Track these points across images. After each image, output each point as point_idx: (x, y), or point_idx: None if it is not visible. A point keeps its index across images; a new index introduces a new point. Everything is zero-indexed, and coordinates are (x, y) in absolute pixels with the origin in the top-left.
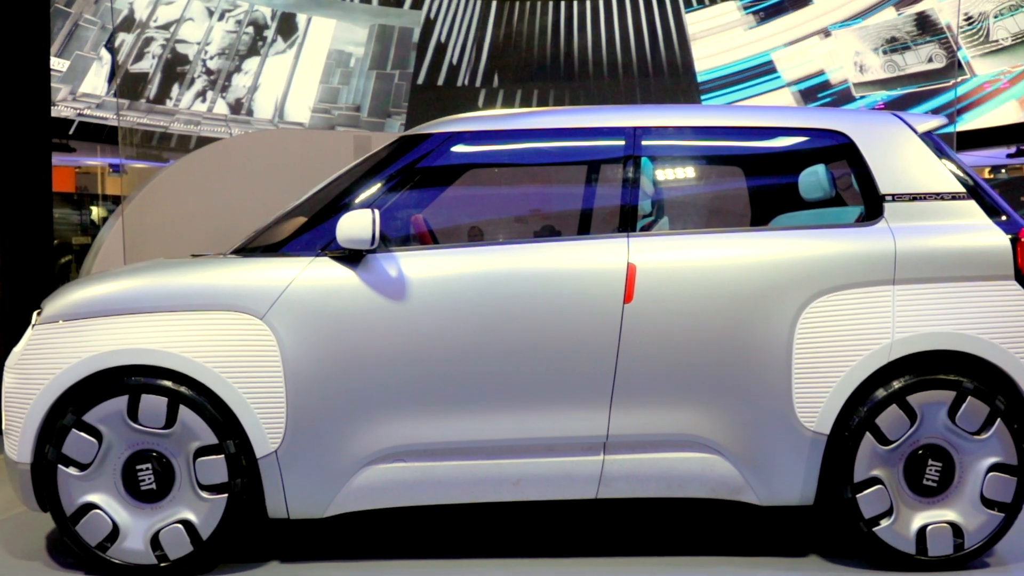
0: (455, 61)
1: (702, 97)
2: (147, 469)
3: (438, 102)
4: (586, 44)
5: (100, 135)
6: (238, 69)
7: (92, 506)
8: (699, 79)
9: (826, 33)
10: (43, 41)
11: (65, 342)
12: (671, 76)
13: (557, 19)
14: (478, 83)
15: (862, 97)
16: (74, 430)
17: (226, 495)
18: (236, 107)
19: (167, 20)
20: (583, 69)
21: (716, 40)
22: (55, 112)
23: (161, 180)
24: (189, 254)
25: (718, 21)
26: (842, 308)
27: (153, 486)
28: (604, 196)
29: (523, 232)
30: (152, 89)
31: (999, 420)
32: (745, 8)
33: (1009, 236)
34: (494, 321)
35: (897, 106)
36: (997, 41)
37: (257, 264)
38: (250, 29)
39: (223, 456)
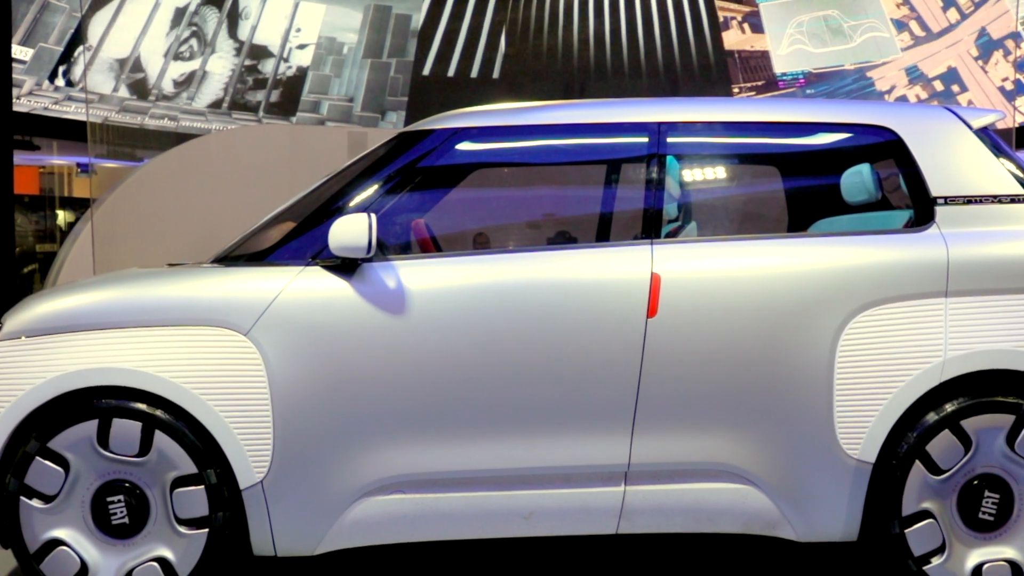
0: (460, 49)
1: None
2: (119, 501)
3: (441, 95)
4: (603, 31)
5: (67, 131)
6: (220, 58)
7: (58, 542)
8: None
9: None
10: (4, 28)
11: (28, 361)
12: (700, 67)
13: (570, 3)
14: (485, 74)
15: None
16: (38, 458)
17: (206, 530)
18: (217, 100)
19: (143, 3)
20: (602, 58)
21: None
22: (17, 106)
23: (134, 181)
24: (165, 263)
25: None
26: (889, 323)
27: (126, 520)
28: (625, 199)
29: (535, 239)
30: (125, 79)
31: None
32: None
33: None
34: (503, 337)
35: None
36: None
37: (241, 274)
38: (233, 13)
39: (203, 487)
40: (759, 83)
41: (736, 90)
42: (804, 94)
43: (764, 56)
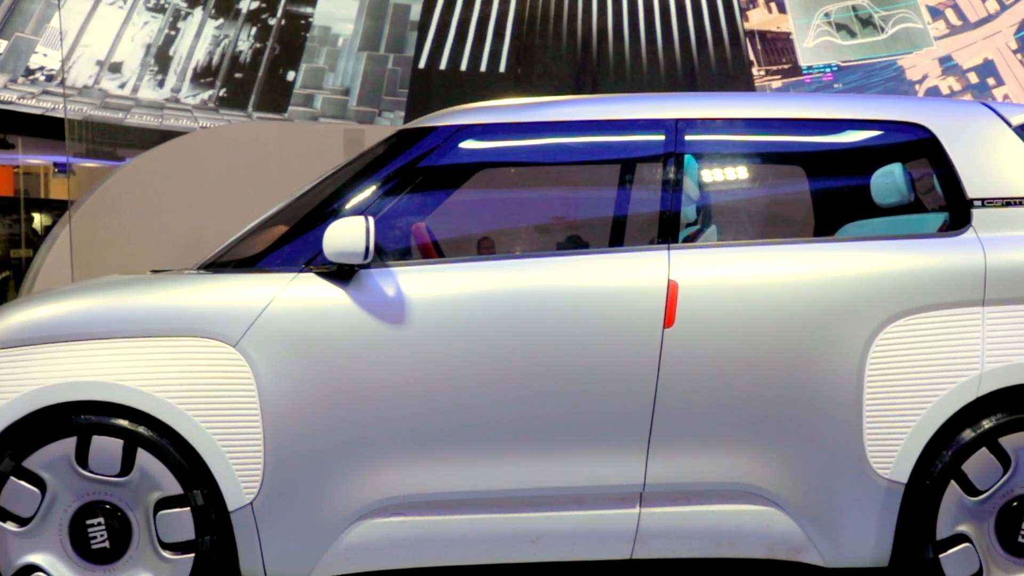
0: (463, 41)
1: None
2: (99, 524)
3: (443, 90)
4: (622, 21)
5: (44, 128)
6: (208, 50)
7: (34, 568)
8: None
9: None
10: None
11: (2, 374)
12: (721, 52)
13: None
14: (490, 67)
15: None
16: (12, 478)
17: (192, 555)
18: (205, 95)
19: None
20: (620, 49)
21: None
22: None
23: (115, 182)
24: (148, 270)
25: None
26: (922, 334)
27: (106, 544)
28: (640, 201)
29: (544, 244)
30: (105, 73)
31: None
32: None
33: None
34: (510, 349)
35: None
36: None
37: (229, 282)
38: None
39: (189, 509)
40: (785, 66)
41: (762, 73)
42: (832, 89)
43: (788, 38)
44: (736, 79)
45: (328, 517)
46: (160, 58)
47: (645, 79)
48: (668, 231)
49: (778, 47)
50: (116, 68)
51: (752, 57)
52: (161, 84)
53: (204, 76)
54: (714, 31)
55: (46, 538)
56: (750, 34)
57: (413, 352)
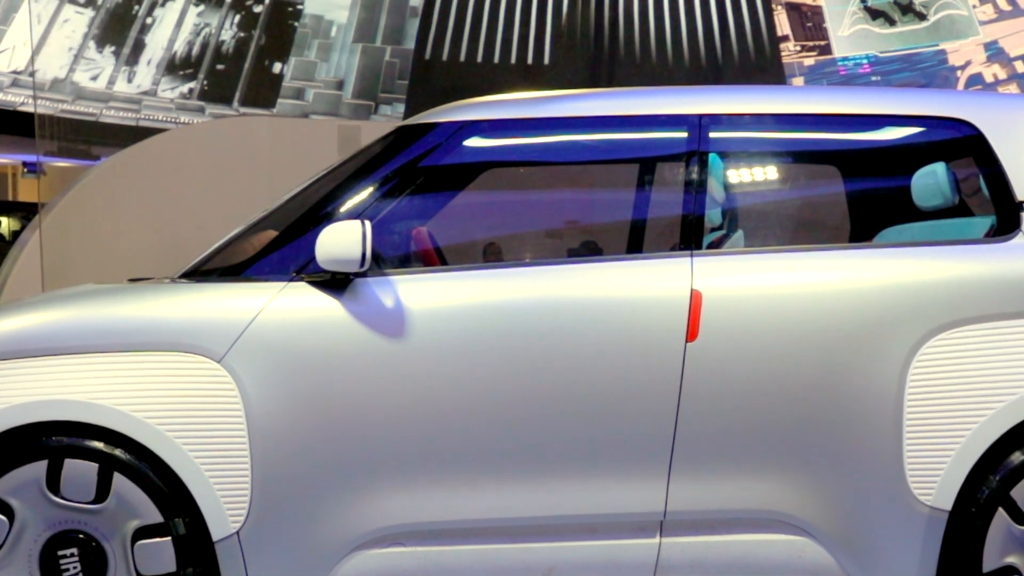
0: (467, 29)
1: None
2: (72, 555)
3: (446, 82)
4: (648, 7)
5: (12, 124)
6: (188, 39)
7: None
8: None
9: None
10: None
11: None
12: (744, 38)
13: None
14: (497, 58)
15: None
16: None
17: None
18: (186, 88)
19: None
20: (644, 29)
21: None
22: None
23: (89, 183)
24: (126, 279)
25: None
26: (967, 348)
27: None
28: (661, 204)
29: (555, 250)
30: (80, 66)
31: None
32: None
33: None
34: (518, 365)
35: None
36: None
37: (213, 292)
38: None
39: (170, 539)
40: (820, 42)
41: (797, 48)
42: (869, 81)
43: (823, 12)
44: (765, 63)
45: (321, 547)
46: (137, 49)
47: (669, 58)
48: (691, 236)
49: (811, 22)
50: (90, 60)
51: (783, 32)
52: (138, 77)
53: (184, 68)
54: (739, 6)
55: (14, 571)
56: (781, 6)
57: (413, 368)
